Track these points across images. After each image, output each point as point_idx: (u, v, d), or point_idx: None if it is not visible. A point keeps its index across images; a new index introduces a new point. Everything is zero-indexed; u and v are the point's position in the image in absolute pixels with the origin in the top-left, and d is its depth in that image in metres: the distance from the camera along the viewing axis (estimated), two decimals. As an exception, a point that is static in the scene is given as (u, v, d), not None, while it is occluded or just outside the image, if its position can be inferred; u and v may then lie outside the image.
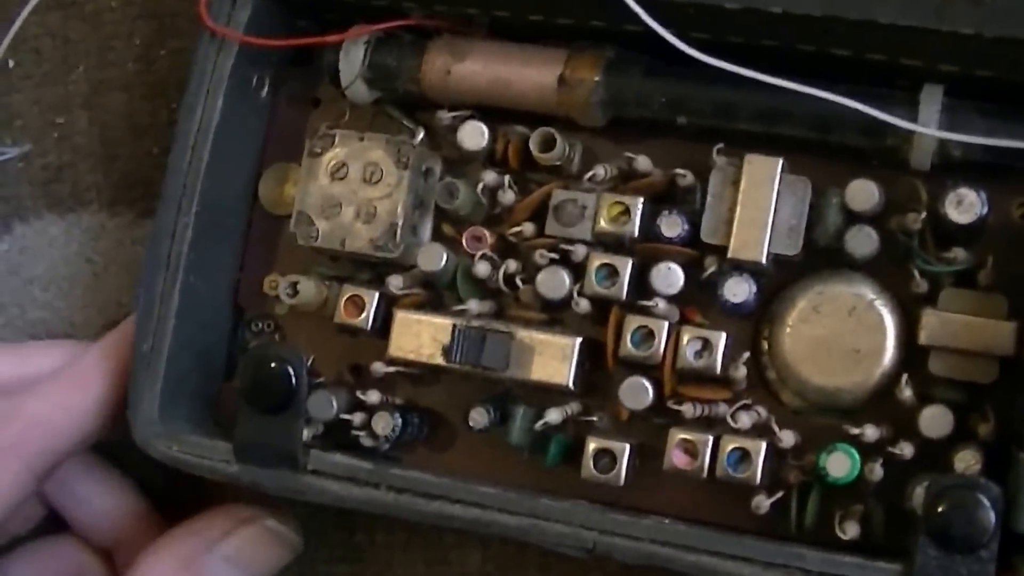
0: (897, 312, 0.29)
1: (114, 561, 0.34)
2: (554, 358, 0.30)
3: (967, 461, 0.28)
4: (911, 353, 0.29)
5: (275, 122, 0.34)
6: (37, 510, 0.34)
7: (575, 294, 0.30)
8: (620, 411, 0.30)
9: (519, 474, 0.31)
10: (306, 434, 0.31)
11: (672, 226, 0.30)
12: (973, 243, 0.29)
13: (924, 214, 0.29)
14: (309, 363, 0.31)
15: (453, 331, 0.30)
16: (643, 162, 0.31)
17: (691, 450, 0.29)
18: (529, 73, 0.31)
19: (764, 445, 0.29)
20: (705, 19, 0.28)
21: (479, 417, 0.31)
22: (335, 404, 0.31)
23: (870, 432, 0.29)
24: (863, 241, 0.29)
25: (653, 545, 0.28)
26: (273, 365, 0.30)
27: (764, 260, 0.29)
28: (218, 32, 0.32)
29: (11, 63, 0.38)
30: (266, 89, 0.34)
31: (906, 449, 0.28)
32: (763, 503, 0.29)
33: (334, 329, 0.32)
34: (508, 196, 0.31)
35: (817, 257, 0.30)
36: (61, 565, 0.34)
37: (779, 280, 0.30)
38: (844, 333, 0.29)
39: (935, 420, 0.28)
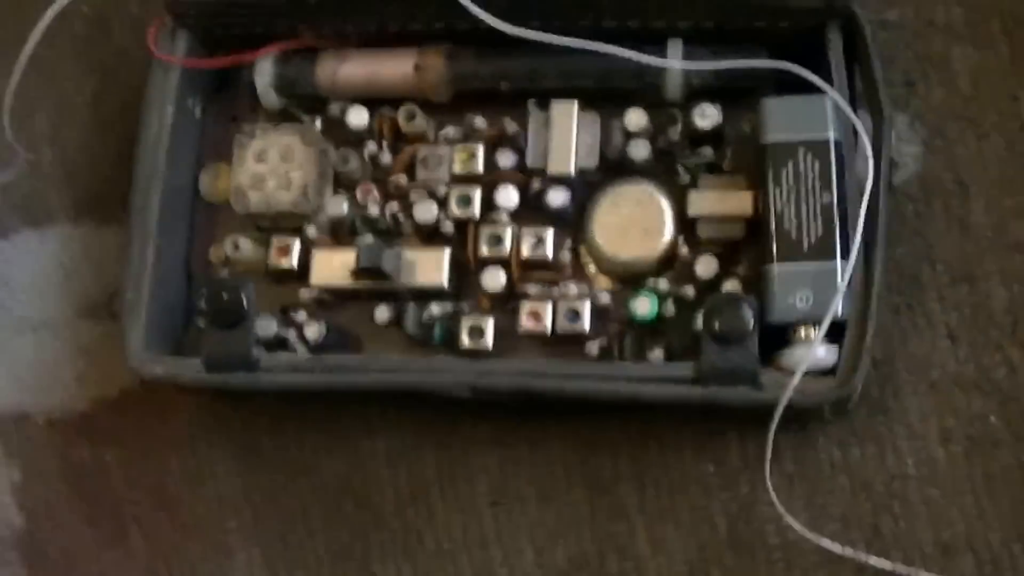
0: (670, 198, 0.41)
1: None
2: (432, 266, 0.41)
3: (731, 287, 0.39)
4: (685, 225, 0.41)
5: (206, 134, 0.45)
6: None
7: (441, 219, 0.42)
8: (483, 300, 0.41)
9: (417, 355, 0.42)
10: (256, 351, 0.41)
11: (506, 158, 0.42)
12: (717, 144, 0.41)
13: (679, 126, 0.40)
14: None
15: (358, 248, 0.41)
16: (480, 121, 0.42)
17: (536, 315, 0.40)
18: (393, 67, 0.43)
19: (588, 303, 0.40)
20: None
21: (381, 314, 0.41)
22: (275, 325, 0.42)
23: (662, 284, 0.40)
24: (639, 149, 0.41)
25: (518, 377, 0.39)
26: (227, 290, 0.41)
27: (572, 171, 0.41)
28: (163, 59, 0.43)
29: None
30: (198, 108, 0.45)
31: (689, 290, 0.40)
32: (592, 347, 0.40)
33: (270, 279, 0.43)
34: (386, 157, 0.43)
35: (611, 170, 0.41)
36: None
37: (585, 191, 0.41)
38: (636, 219, 0.41)
39: (705, 265, 0.40)
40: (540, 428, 0.43)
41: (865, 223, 0.37)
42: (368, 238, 0.42)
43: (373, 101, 0.43)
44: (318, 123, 0.43)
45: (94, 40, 0.49)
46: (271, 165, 0.42)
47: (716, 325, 0.37)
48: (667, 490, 0.42)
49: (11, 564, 0.46)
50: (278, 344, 0.41)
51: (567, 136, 0.41)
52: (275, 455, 0.45)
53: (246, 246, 0.43)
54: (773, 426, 0.37)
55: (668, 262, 0.41)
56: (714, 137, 0.40)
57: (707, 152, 0.41)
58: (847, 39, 0.39)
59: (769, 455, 0.38)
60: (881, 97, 0.38)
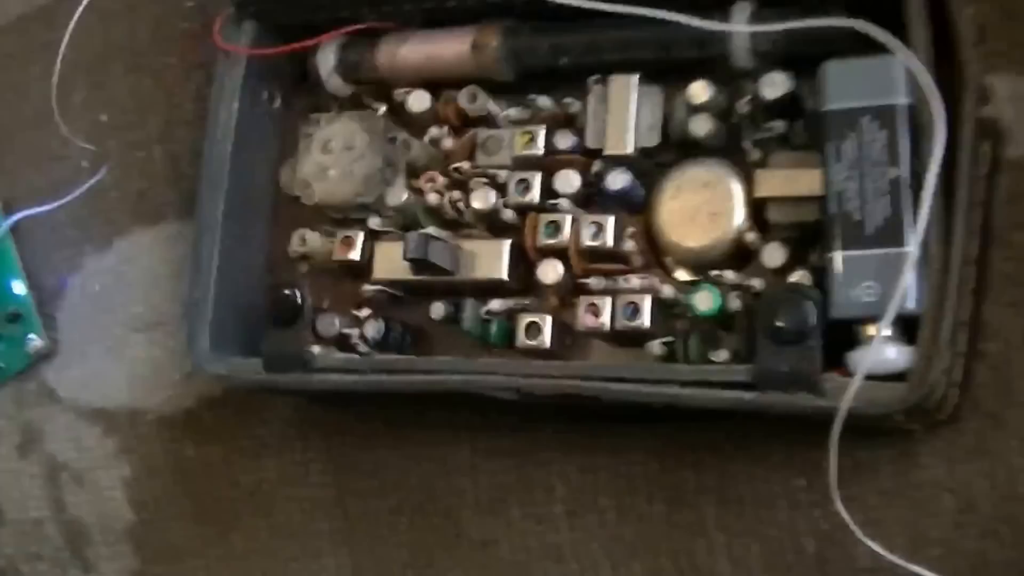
0: (740, 178, 0.36)
1: None
2: (492, 259, 0.39)
3: (799, 279, 0.35)
4: (755, 208, 0.36)
5: (288, 126, 0.44)
6: None
7: (502, 206, 0.39)
8: (551, 295, 0.38)
9: (473, 354, 0.39)
10: (319, 349, 0.40)
11: (564, 140, 0.38)
12: (793, 116, 0.36)
13: (749, 98, 0.36)
14: (325, 305, 0.40)
15: (405, 239, 0.38)
16: (543, 100, 0.39)
17: (595, 311, 0.37)
18: (450, 47, 0.40)
19: (649, 298, 0.36)
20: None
21: (436, 310, 0.39)
22: (337, 323, 0.40)
23: (728, 275, 0.36)
24: (701, 124, 0.36)
25: (562, 380, 0.36)
26: (285, 291, 0.40)
27: (631, 151, 0.37)
28: (228, 49, 0.42)
29: (104, 118, 0.50)
30: (277, 102, 0.44)
31: (756, 282, 0.36)
32: (654, 345, 0.36)
33: (342, 274, 0.41)
34: (448, 143, 0.40)
35: (675, 149, 0.37)
36: None
37: (650, 171, 0.38)
38: (703, 202, 0.36)
39: (772, 253, 0.35)
40: (623, 434, 0.40)
41: (943, 201, 0.31)
42: (431, 230, 0.40)
43: (439, 84, 0.41)
44: (382, 110, 0.41)
45: (199, 37, 0.49)
46: (335, 155, 0.41)
47: (773, 323, 0.33)
48: (751, 505, 0.38)
49: (125, 556, 0.47)
50: (340, 342, 0.40)
51: (625, 113, 0.37)
52: (365, 459, 0.44)
53: (313, 240, 0.41)
54: (835, 438, 0.32)
55: (740, 250, 0.36)
56: (788, 108, 0.36)
57: (777, 125, 0.36)
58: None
59: (834, 470, 0.33)
60: (964, 56, 0.32)
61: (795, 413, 0.33)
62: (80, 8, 0.48)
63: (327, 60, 0.42)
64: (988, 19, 0.35)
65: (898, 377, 0.32)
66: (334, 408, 0.44)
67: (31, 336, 0.49)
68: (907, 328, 0.32)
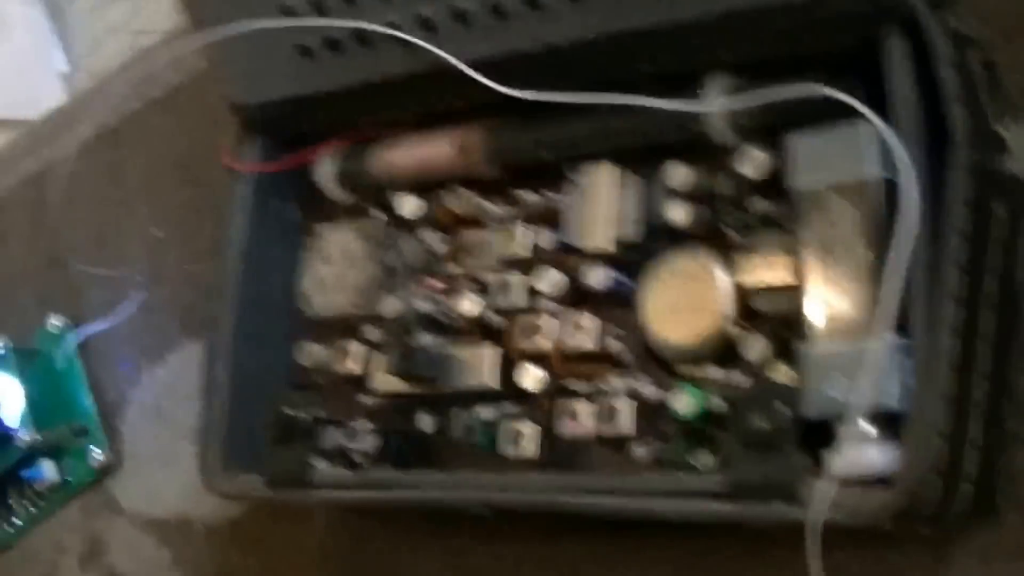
0: (724, 267, 0.34)
1: None
2: (477, 365, 0.37)
3: (780, 374, 0.32)
4: (741, 298, 0.33)
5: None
6: None
7: (487, 311, 0.37)
8: (543, 401, 0.36)
9: (462, 465, 0.37)
10: (324, 464, 0.39)
11: (546, 237, 0.37)
12: (773, 194, 0.33)
13: (727, 177, 0.33)
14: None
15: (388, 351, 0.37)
16: (529, 196, 0.38)
17: (575, 415, 0.35)
18: (437, 149, 0.39)
19: (628, 401, 0.34)
20: (523, 65, 0.35)
21: (426, 421, 0.38)
22: (338, 437, 0.39)
23: (713, 372, 0.33)
24: (677, 212, 0.34)
25: (532, 495, 0.34)
26: (284, 408, 0.39)
27: (613, 248, 0.35)
28: (234, 168, 0.42)
29: (160, 233, 0.51)
30: (298, 212, 0.43)
31: (742, 379, 0.33)
32: (638, 450, 0.34)
33: (347, 386, 0.41)
34: (441, 248, 0.39)
35: (658, 237, 0.35)
36: None
37: (639, 262, 0.35)
38: (686, 294, 0.34)
39: (753, 346, 0.32)
40: (648, 545, 0.37)
41: (920, 285, 0.28)
42: (424, 338, 0.39)
43: (432, 186, 0.40)
44: (383, 217, 0.41)
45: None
46: (335, 266, 0.40)
47: (741, 425, 0.30)
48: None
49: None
50: (340, 456, 0.39)
51: (602, 206, 0.35)
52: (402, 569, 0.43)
53: (316, 353, 0.41)
54: (814, 551, 0.29)
55: (727, 344, 0.34)
56: (773, 186, 0.33)
57: (761, 205, 0.33)
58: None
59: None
60: (952, 111, 0.29)
61: (774, 524, 0.30)
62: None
63: (326, 170, 0.41)
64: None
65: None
66: (369, 518, 0.43)
67: (95, 450, 0.50)
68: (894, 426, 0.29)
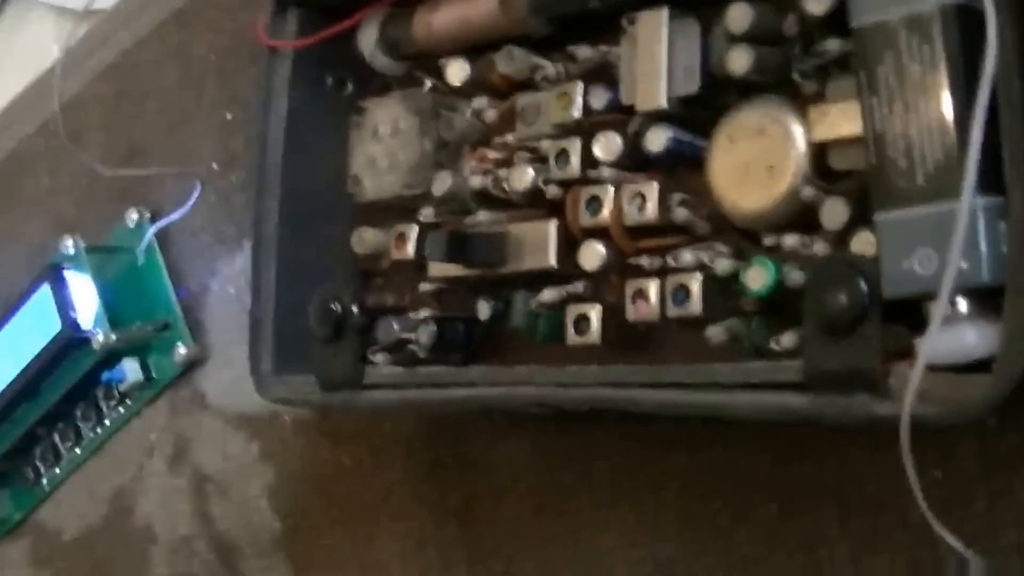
0: (800, 119, 0.29)
1: None
2: (538, 245, 0.33)
3: (862, 243, 0.27)
4: (818, 155, 0.29)
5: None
6: None
7: (542, 183, 0.33)
8: (613, 280, 0.33)
9: (524, 355, 0.34)
10: (381, 356, 0.36)
11: (598, 98, 0.32)
12: (843, 31, 0.28)
13: (794, 16, 0.29)
14: (408, 300, 0.37)
15: (419, 237, 0.34)
16: (583, 51, 0.33)
17: (644, 296, 0.31)
18: (480, 6, 0.35)
19: (700, 277, 0.30)
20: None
21: (484, 308, 0.35)
22: (396, 328, 0.36)
23: (789, 241, 0.29)
24: (740, 57, 0.29)
25: (592, 390, 0.30)
26: (329, 303, 0.36)
27: (666, 104, 0.31)
28: (273, 45, 0.39)
29: (229, 116, 0.49)
30: (349, 88, 0.40)
31: (818, 247, 0.29)
32: (713, 332, 0.30)
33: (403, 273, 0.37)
34: (491, 114, 0.35)
35: (722, 89, 0.31)
36: None
37: (703, 118, 0.31)
38: (759, 153, 0.30)
39: (832, 211, 0.28)
40: (736, 428, 0.34)
41: (1012, 131, 0.23)
42: (482, 215, 0.35)
43: (479, 49, 0.36)
44: (428, 84, 0.37)
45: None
46: (383, 143, 0.37)
47: (817, 304, 0.26)
48: (875, 508, 0.31)
49: (279, 566, 0.46)
50: (399, 348, 0.36)
51: (655, 59, 0.31)
52: (489, 459, 0.40)
53: (371, 238, 0.38)
54: (905, 448, 0.25)
55: (806, 209, 0.29)
56: (836, 23, 0.28)
57: (832, 47, 0.28)
58: None
59: (917, 485, 0.26)
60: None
61: (854, 421, 0.26)
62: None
63: (368, 38, 0.38)
64: None
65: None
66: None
67: (180, 345, 0.48)
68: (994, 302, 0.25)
